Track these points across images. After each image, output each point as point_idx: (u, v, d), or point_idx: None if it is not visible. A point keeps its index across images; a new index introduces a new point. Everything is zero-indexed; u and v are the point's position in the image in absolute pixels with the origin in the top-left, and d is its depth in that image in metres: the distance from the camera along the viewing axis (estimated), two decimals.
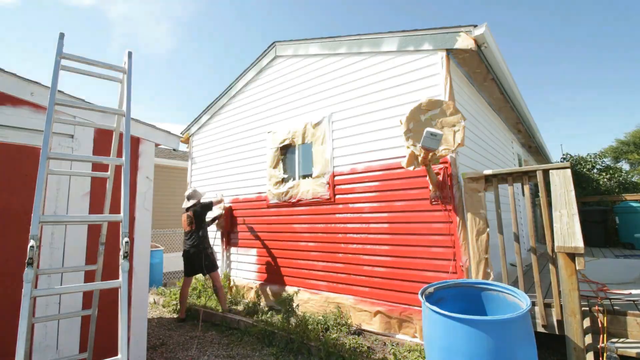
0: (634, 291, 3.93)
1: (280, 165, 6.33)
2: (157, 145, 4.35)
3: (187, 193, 6.17)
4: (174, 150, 4.73)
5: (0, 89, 3.24)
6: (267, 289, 6.16)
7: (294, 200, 5.95)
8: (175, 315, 6.14)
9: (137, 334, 3.85)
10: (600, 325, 3.22)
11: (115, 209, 3.33)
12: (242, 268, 6.79)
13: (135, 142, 4.06)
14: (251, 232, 6.71)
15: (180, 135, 8.57)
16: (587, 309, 3.36)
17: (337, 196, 5.41)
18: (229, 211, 7.09)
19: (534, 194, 11.17)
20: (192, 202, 6.02)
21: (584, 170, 12.97)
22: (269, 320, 5.12)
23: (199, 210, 5.96)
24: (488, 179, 3.95)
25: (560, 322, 3.30)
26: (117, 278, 2.08)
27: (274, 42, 6.75)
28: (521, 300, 2.75)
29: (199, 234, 5.87)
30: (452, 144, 3.83)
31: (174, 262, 10.44)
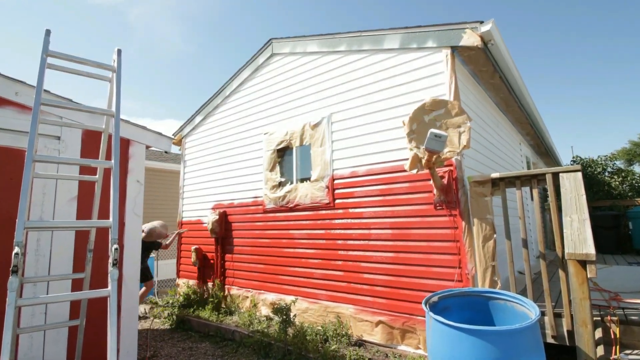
0: None
1: (277, 168, 6.34)
2: (147, 147, 4.36)
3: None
4: (165, 152, 4.74)
5: None
6: (264, 298, 6.15)
7: (291, 205, 5.95)
8: (167, 326, 6.13)
9: (127, 345, 3.85)
10: (612, 336, 3.21)
11: (104, 214, 3.33)
12: (237, 276, 6.78)
13: (125, 144, 4.07)
14: (246, 238, 6.70)
15: (172, 136, 8.58)
16: (599, 319, 3.36)
17: (337, 201, 5.41)
18: (223, 216, 7.09)
19: (543, 198, 11.18)
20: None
21: (595, 173, 12.99)
22: (266, 330, 5.11)
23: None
24: (495, 182, 3.96)
25: (571, 333, 3.30)
26: (106, 286, 2.08)
27: (270, 39, 6.77)
28: (530, 310, 2.75)
29: None
30: (457, 145, 3.84)
31: (166, 269, 10.42)
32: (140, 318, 6.62)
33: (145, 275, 7.03)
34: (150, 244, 7.09)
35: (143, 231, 7.02)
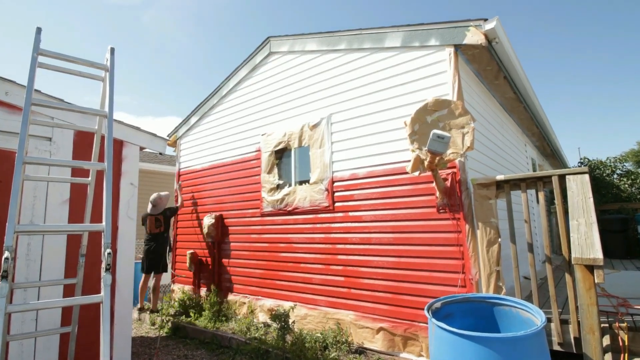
0: None
1: (275, 170, 6.34)
2: (141, 148, 4.36)
3: (151, 198, 7.13)
4: (160, 154, 4.74)
5: None
6: (261, 304, 6.15)
7: (289, 208, 5.95)
8: (160, 333, 6.13)
9: (121, 352, 3.84)
10: (621, 344, 3.22)
11: (96, 217, 3.33)
12: (234, 281, 6.77)
13: (118, 145, 4.08)
14: (243, 243, 6.70)
15: (167, 137, 8.58)
16: (607, 325, 3.36)
17: (337, 204, 5.41)
18: (219, 220, 7.09)
19: (549, 201, 11.20)
20: (159, 207, 7.10)
21: (604, 175, 13.00)
22: (263, 338, 5.11)
23: (169, 215, 7.18)
24: (500, 185, 3.96)
25: (578, 340, 3.30)
26: (99, 292, 2.09)
27: (268, 38, 6.78)
28: (535, 316, 2.75)
29: (165, 236, 7.09)
30: (460, 147, 3.85)
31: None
32: (133, 325, 6.61)
33: (166, 266, 7.09)
34: (166, 212, 7.15)
35: (153, 205, 7.07)
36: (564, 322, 3.46)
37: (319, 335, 5.01)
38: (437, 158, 3.85)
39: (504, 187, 3.94)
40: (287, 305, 5.63)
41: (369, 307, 4.90)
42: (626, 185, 12.26)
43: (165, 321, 6.33)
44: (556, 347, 3.43)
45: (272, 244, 6.21)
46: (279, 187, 6.23)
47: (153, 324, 6.59)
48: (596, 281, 2.93)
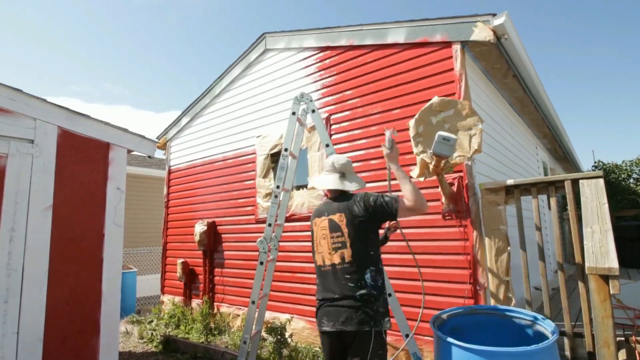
0: None
1: (271, 174, 6.34)
2: (129, 151, 4.36)
3: (332, 165, 3.04)
4: (149, 157, 4.74)
5: None
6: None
7: (286, 215, 5.94)
8: (151, 347, 6.11)
9: None
10: (638, 358, 3.22)
11: (82, 223, 3.34)
12: (227, 292, 6.76)
13: (105, 147, 4.08)
14: (238, 251, 6.69)
15: (156, 140, 8.59)
16: (623, 339, 3.36)
17: None
18: (212, 227, 7.08)
19: (562, 207, 11.21)
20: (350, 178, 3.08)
21: (619, 179, 13.02)
22: (258, 352, 5.09)
23: (373, 210, 2.76)
24: (509, 190, 3.97)
25: (592, 355, 3.30)
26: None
27: (263, 34, 6.80)
28: (547, 329, 2.76)
29: (364, 264, 2.64)
30: (467, 150, 3.84)
31: (149, 285, 10.39)
32: (121, 338, 6.59)
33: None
34: (376, 207, 2.76)
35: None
36: (578, 336, 3.46)
37: (317, 349, 5.01)
38: (443, 161, 3.84)
39: (513, 192, 3.94)
40: (283, 317, 5.61)
41: None
42: None
43: (154, 335, 6.31)
44: None
45: None
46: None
47: (142, 337, 6.57)
48: (611, 292, 2.93)
